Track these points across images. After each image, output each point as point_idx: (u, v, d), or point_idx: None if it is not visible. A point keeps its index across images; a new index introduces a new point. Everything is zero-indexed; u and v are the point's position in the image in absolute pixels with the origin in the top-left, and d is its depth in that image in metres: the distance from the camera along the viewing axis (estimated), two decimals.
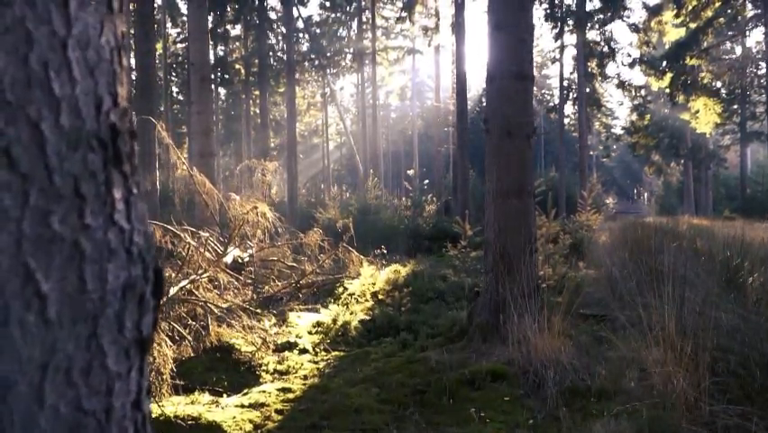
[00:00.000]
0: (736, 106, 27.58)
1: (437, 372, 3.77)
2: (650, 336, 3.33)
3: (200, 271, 5.49)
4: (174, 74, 31.02)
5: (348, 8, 29.00)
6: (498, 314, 4.25)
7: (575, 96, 25.96)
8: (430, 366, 3.89)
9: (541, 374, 3.56)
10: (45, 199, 0.50)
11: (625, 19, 23.31)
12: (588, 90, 25.16)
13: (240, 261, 7.15)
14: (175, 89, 32.24)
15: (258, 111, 27.51)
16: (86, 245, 0.53)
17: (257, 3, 23.24)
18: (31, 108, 0.50)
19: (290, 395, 3.65)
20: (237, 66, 28.68)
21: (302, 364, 4.42)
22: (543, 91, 47.63)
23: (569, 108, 30.42)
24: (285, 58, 22.88)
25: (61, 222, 0.51)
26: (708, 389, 2.87)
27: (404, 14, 22.97)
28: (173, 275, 4.83)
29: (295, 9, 22.94)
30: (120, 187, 0.56)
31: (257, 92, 27.05)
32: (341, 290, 6.83)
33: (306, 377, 4.12)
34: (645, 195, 55.68)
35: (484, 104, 5.53)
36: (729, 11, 20.34)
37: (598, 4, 23.10)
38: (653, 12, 20.89)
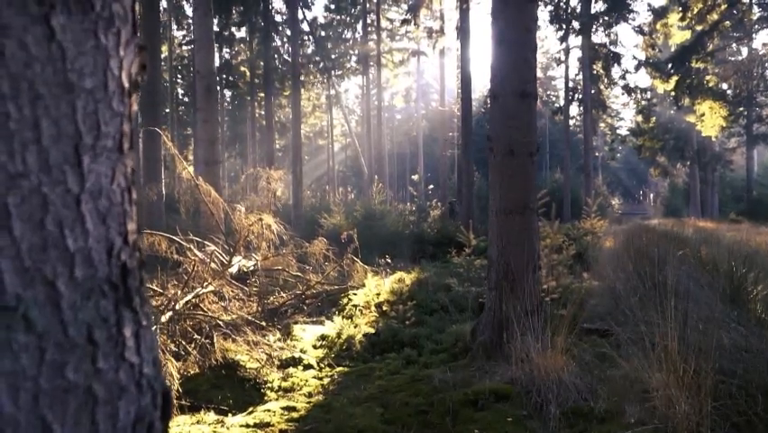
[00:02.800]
0: (742, 109, 27.46)
1: (440, 391, 3.78)
2: (652, 355, 3.34)
3: (205, 284, 5.53)
4: (179, 77, 31.14)
5: (353, 10, 29.03)
6: (502, 332, 4.27)
7: (580, 98, 25.92)
8: (433, 385, 3.91)
9: (544, 394, 3.56)
10: (60, 353, 0.53)
11: (630, 21, 23.29)
12: (593, 92, 25.11)
13: (245, 270, 7.19)
14: (180, 91, 32.38)
15: (263, 113, 27.61)
16: (99, 389, 0.55)
17: (262, 6, 23.29)
18: (46, 268, 0.52)
19: (295, 414, 3.68)
20: (242, 69, 28.77)
21: (306, 381, 4.44)
22: (548, 92, 47.52)
23: (574, 110, 30.37)
24: (290, 60, 22.92)
25: (75, 371, 0.54)
26: (710, 414, 2.88)
27: (409, 17, 22.97)
28: (179, 292, 4.87)
29: (300, 12, 22.98)
30: (130, 323, 0.59)
31: (262, 95, 27.13)
32: (345, 301, 6.84)
33: (310, 394, 4.15)
34: (651, 196, 55.48)
35: (489, 105, 5.57)
36: (735, 13, 20.26)
37: (603, 7, 23.07)
38: (659, 14, 20.85)
